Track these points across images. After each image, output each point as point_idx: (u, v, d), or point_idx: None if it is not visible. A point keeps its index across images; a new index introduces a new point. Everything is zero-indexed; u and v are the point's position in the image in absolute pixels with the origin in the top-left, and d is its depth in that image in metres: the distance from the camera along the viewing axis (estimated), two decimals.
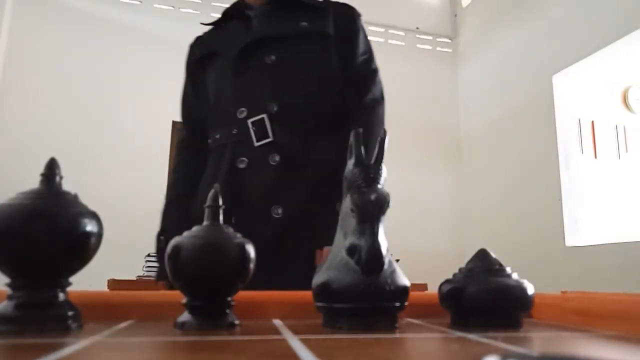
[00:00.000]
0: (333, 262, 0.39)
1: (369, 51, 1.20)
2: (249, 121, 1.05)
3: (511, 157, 2.76)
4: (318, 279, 0.39)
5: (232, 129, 1.06)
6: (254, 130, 1.04)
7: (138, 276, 2.03)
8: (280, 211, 1.02)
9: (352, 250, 0.37)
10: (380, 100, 1.18)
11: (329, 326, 0.38)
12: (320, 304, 0.39)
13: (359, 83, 1.15)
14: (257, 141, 1.03)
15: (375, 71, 1.20)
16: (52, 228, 0.33)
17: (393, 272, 0.38)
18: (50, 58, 2.74)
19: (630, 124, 2.25)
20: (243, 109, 1.05)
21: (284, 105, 1.07)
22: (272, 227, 1.00)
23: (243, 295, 0.43)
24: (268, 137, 1.04)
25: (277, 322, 0.42)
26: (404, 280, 0.38)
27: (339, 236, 0.40)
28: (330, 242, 0.89)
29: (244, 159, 1.04)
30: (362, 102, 1.13)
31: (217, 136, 1.09)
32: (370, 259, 0.36)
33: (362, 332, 0.35)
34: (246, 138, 1.04)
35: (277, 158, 1.05)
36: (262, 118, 1.04)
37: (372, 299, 0.36)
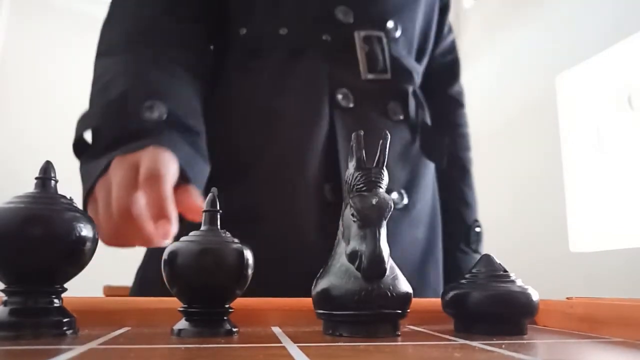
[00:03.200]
0: (333, 268, 0.38)
1: (451, 29, 0.89)
2: (359, 33, 0.66)
3: (514, 160, 2.75)
4: (318, 285, 0.38)
5: (320, 33, 0.65)
6: (366, 53, 0.66)
7: None
8: (405, 200, 0.67)
9: (353, 256, 0.36)
10: (464, 97, 0.89)
11: (329, 333, 0.37)
12: (320, 310, 0.38)
13: (445, 66, 0.88)
14: (369, 71, 0.66)
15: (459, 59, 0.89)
16: (46, 233, 0.32)
17: (395, 278, 0.37)
18: (48, 58, 2.75)
19: (636, 126, 2.23)
20: (348, 9, 0.66)
21: (406, 32, 0.71)
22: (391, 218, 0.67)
23: (241, 302, 0.42)
24: (385, 71, 0.67)
25: (276, 329, 0.41)
26: (406, 286, 0.38)
27: (339, 242, 0.39)
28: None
29: (347, 92, 0.65)
30: (448, 91, 0.87)
31: (282, 32, 0.66)
32: (371, 265, 0.35)
33: (363, 340, 0.35)
34: (347, 58, 0.66)
35: (400, 111, 0.68)
36: (380, 37, 0.67)
37: (373, 305, 0.36)
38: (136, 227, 0.49)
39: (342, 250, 0.38)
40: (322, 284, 0.38)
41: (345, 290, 0.36)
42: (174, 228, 0.49)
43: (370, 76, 0.66)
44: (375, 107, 0.67)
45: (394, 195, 0.68)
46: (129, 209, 0.48)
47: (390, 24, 0.69)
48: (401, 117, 0.69)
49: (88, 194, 0.53)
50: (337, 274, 0.37)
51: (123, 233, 0.50)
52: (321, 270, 0.39)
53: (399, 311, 0.37)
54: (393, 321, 0.37)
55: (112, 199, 0.49)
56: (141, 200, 0.49)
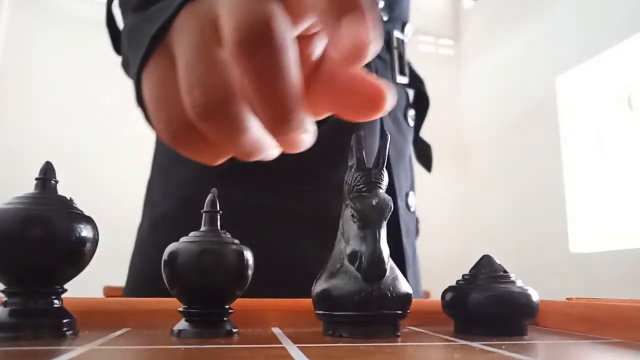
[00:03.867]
0: (333, 269, 0.38)
1: None
2: (393, 33, 0.62)
3: (515, 161, 2.75)
4: (318, 286, 0.38)
5: None
6: (398, 52, 0.63)
7: None
8: (413, 208, 0.66)
9: (353, 257, 0.36)
10: None
11: (329, 334, 0.37)
12: (320, 311, 0.38)
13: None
14: (399, 73, 0.63)
15: None
16: (46, 233, 0.32)
17: (395, 278, 0.37)
18: (48, 58, 2.75)
19: (636, 127, 2.24)
20: (385, 4, 0.62)
21: (410, 37, 0.69)
22: (405, 223, 0.64)
23: (241, 302, 0.42)
24: (406, 75, 0.65)
25: (276, 330, 0.41)
26: (406, 287, 0.38)
27: (339, 243, 0.39)
28: None
29: None
30: None
31: None
32: (371, 265, 0.35)
33: (363, 341, 0.35)
34: (384, 57, 0.62)
35: (414, 117, 0.68)
36: (403, 40, 0.65)
37: (373, 306, 0.36)
38: (277, 73, 0.22)
39: (342, 251, 0.38)
40: (322, 285, 0.38)
41: (345, 291, 0.36)
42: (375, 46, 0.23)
43: (399, 79, 0.64)
44: (400, 111, 0.66)
45: (412, 197, 0.67)
46: (266, 30, 0.21)
47: (408, 27, 0.67)
48: (413, 124, 0.69)
49: (153, 44, 0.28)
50: (337, 275, 0.37)
51: (234, 99, 0.24)
52: (321, 271, 0.39)
53: (399, 312, 0.37)
54: (393, 322, 0.37)
55: (222, 21, 0.23)
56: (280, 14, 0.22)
